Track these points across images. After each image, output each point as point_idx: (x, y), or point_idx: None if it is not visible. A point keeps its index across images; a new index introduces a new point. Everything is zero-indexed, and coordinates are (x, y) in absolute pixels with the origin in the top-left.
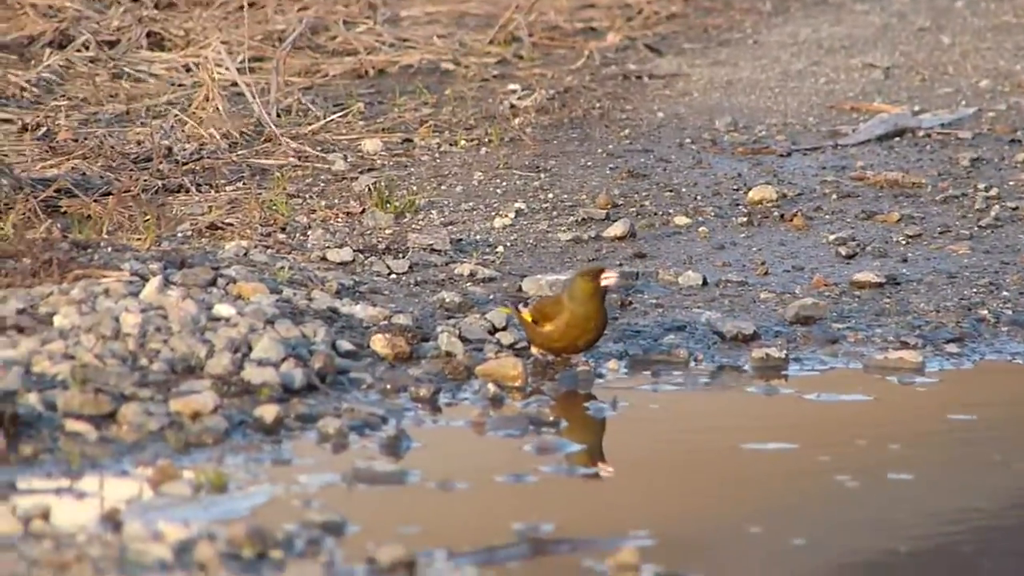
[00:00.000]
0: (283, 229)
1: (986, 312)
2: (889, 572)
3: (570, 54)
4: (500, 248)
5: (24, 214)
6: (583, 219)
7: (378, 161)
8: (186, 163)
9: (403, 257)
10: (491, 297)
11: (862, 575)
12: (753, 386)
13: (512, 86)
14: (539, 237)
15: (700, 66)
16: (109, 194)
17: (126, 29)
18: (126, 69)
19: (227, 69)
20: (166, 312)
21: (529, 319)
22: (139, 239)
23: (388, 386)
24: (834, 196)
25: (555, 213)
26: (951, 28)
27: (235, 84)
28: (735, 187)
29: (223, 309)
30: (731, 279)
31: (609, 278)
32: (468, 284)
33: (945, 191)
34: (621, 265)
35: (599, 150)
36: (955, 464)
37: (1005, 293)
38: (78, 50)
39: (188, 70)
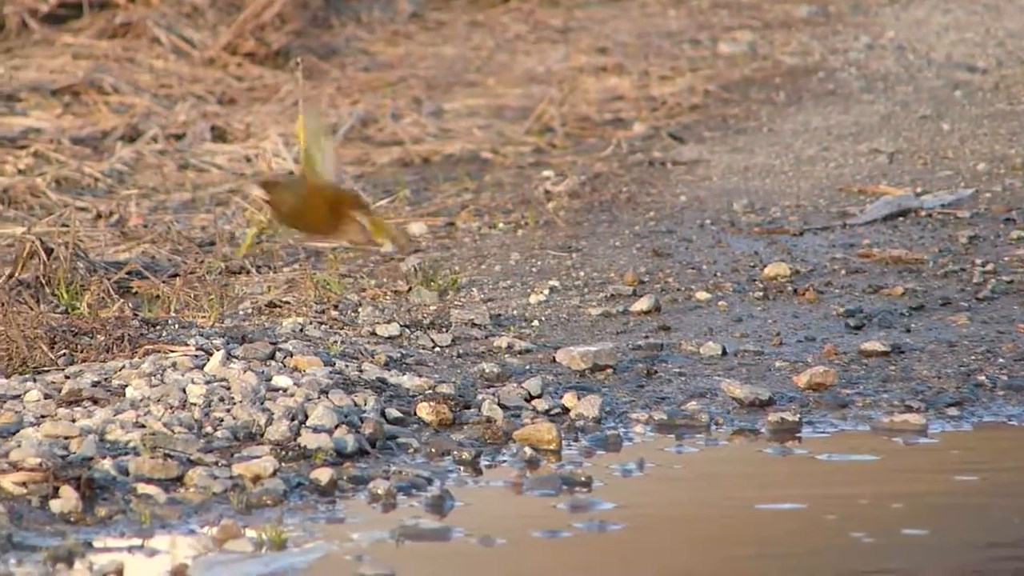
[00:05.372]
0: (336, 306)
1: (984, 378)
2: None
3: (599, 143)
4: (535, 322)
5: (98, 294)
6: (612, 295)
7: (423, 243)
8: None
9: (446, 331)
10: (527, 368)
11: None
12: (769, 447)
13: (546, 172)
14: (571, 312)
15: (719, 153)
16: (176, 275)
17: (191, 123)
18: (192, 160)
19: (284, 159)
20: (229, 383)
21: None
22: (204, 317)
23: (433, 450)
24: (843, 272)
25: (586, 290)
26: (950, 116)
27: (292, 173)
28: (752, 264)
29: (281, 380)
30: (748, 349)
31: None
32: (506, 356)
33: (945, 266)
34: (647, 337)
35: (626, 231)
36: (964, 517)
37: (1001, 360)
38: (148, 143)
39: (248, 160)
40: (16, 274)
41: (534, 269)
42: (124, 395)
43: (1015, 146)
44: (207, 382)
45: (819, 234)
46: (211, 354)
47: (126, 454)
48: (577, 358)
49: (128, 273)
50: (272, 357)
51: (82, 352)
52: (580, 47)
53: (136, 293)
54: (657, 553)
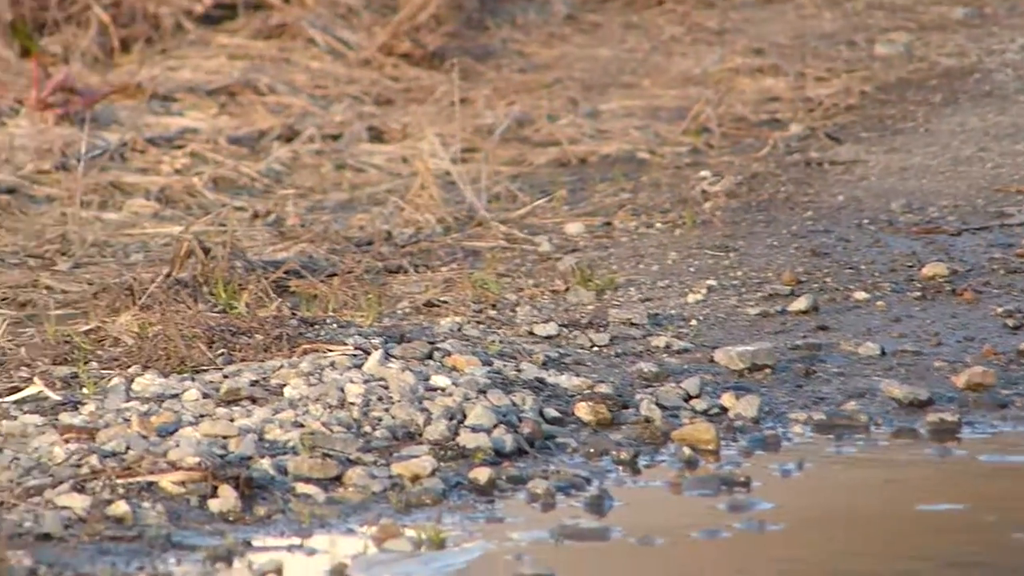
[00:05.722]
0: (494, 306)
1: None
2: None
3: (756, 143)
4: (693, 321)
5: (256, 294)
6: (769, 295)
7: (580, 243)
8: (404, 246)
9: (604, 331)
10: (685, 367)
11: None
12: (929, 448)
13: (703, 172)
14: (729, 311)
15: (876, 153)
16: (334, 275)
17: (348, 123)
18: (348, 160)
19: (441, 159)
20: (387, 383)
21: None
22: (362, 316)
23: (591, 450)
24: (1001, 271)
25: (743, 289)
26: None
27: (448, 173)
28: (909, 264)
29: (439, 380)
30: (907, 349)
31: None
32: (664, 355)
33: None
34: (805, 337)
35: (784, 231)
36: None
37: None
38: (304, 143)
39: (405, 161)
40: (174, 273)
41: (691, 268)
42: (282, 394)
43: None
44: (365, 381)
45: (977, 234)
46: (369, 353)
47: (285, 453)
48: (735, 358)
49: (286, 272)
50: (430, 356)
51: (240, 351)
52: (735, 48)
53: (294, 292)
54: (817, 554)
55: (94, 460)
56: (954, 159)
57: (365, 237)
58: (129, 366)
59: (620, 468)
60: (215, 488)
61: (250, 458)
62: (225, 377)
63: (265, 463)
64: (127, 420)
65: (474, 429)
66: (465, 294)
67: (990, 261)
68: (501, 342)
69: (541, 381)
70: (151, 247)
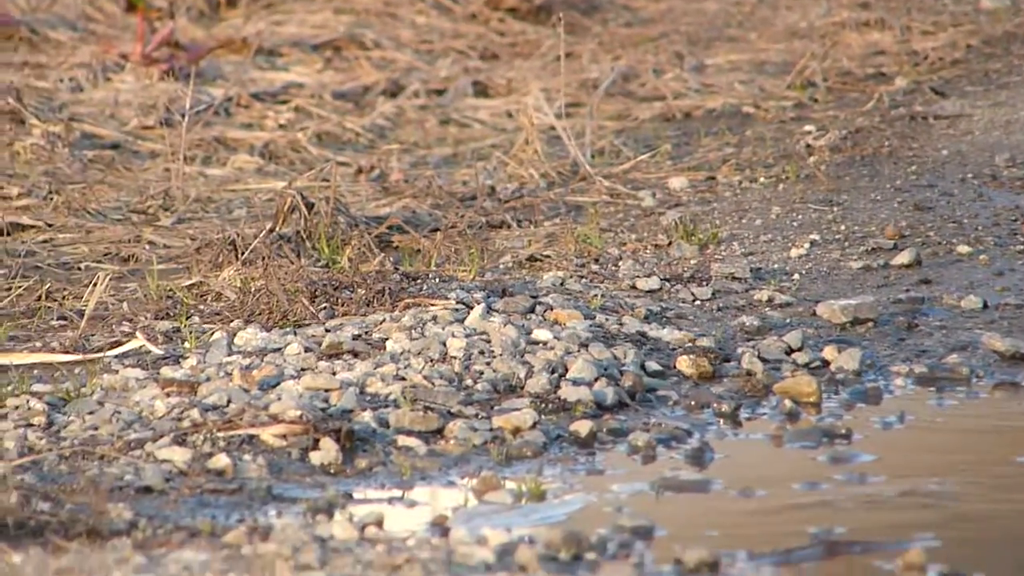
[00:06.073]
0: (596, 260)
1: None
2: None
3: (861, 97)
4: (796, 276)
5: (359, 249)
6: (872, 249)
7: (684, 197)
8: (507, 201)
9: (706, 285)
10: (787, 321)
11: None
12: None
13: (807, 127)
14: (832, 265)
15: (981, 107)
16: (437, 230)
17: (452, 78)
18: (453, 115)
19: (545, 114)
20: (489, 337)
21: None
22: (464, 271)
23: (692, 403)
24: None
25: (847, 243)
26: None
27: (553, 128)
28: (1013, 218)
29: (541, 334)
30: (1009, 303)
31: None
32: (766, 309)
33: None
34: (908, 291)
35: (887, 185)
36: None
37: None
38: (409, 98)
39: (510, 116)
40: (277, 228)
41: (795, 223)
42: (384, 348)
43: None
44: (467, 335)
45: None
46: (471, 308)
47: (386, 407)
48: (837, 311)
49: (389, 228)
50: (532, 311)
51: (342, 306)
52: (842, 2)
53: (397, 247)
54: (916, 504)
55: (195, 413)
56: None
57: (468, 192)
58: (231, 320)
59: (721, 421)
60: (316, 441)
61: (351, 411)
62: (327, 331)
63: (366, 416)
64: (228, 374)
65: (575, 382)
66: (568, 249)
67: None
68: (603, 296)
69: (643, 335)
70: (254, 202)
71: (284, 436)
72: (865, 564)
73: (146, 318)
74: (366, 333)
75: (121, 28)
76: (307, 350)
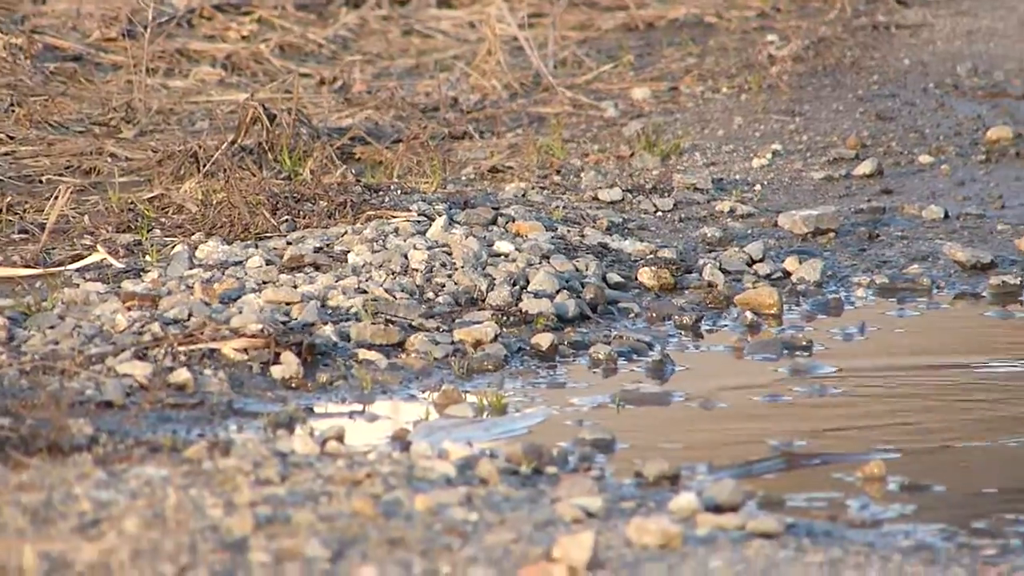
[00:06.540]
0: (558, 171)
1: None
2: None
3: (824, 7)
4: (758, 186)
5: (321, 160)
6: (834, 159)
7: (646, 108)
8: (470, 112)
9: (668, 196)
10: (749, 232)
11: None
12: (991, 310)
13: (770, 37)
14: (794, 176)
15: (943, 16)
16: (399, 141)
17: None
18: (416, 26)
19: (508, 25)
20: (450, 249)
21: None
22: (426, 182)
23: (654, 315)
24: None
25: (808, 154)
26: None
27: (515, 39)
28: (975, 128)
29: (503, 246)
30: (970, 212)
31: None
32: (728, 220)
33: None
34: (869, 201)
35: (849, 95)
36: None
37: None
38: (372, 9)
39: (472, 26)
40: (239, 140)
41: (757, 133)
42: (346, 261)
43: None
44: (429, 248)
45: None
46: (433, 220)
47: (347, 320)
48: (799, 222)
49: (351, 139)
50: (494, 222)
51: (304, 218)
52: None
53: (359, 159)
54: (876, 416)
55: (156, 327)
56: (1021, 22)
57: (431, 103)
58: (192, 233)
59: (682, 333)
60: (277, 355)
61: (313, 325)
62: (289, 244)
63: (328, 330)
64: (190, 287)
65: (537, 295)
66: (530, 160)
67: None
68: (565, 208)
69: (604, 246)
70: (216, 114)
71: (245, 350)
72: (826, 476)
73: (107, 231)
74: (328, 245)
75: None
76: (268, 263)
